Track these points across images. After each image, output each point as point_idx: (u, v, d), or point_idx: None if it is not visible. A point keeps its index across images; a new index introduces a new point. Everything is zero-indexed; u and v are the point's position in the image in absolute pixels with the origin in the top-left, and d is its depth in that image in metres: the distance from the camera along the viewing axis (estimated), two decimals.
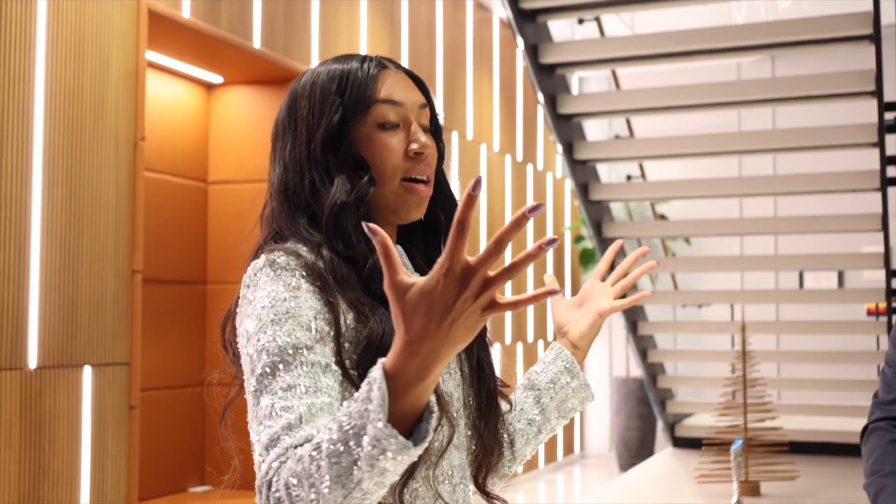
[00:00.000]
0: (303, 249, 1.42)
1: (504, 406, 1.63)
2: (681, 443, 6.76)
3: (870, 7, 4.70)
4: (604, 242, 5.72)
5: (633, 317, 6.26)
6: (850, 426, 6.45)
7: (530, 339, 8.58)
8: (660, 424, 7.27)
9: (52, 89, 3.92)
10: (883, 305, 7.91)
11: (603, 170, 8.89)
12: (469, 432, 1.54)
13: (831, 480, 5.52)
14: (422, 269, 1.56)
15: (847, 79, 5.06)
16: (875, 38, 4.60)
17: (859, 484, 2.26)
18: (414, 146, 1.47)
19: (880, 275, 7.98)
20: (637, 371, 8.92)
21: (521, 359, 8.37)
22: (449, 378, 1.49)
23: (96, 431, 4.11)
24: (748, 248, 8.95)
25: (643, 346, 6.39)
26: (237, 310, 1.42)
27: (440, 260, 1.06)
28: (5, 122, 3.72)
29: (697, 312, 8.93)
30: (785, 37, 4.97)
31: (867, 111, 6.14)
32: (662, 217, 8.01)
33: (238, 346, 1.40)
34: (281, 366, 1.30)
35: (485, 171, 7.70)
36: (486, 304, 1.06)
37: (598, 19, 5.65)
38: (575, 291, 9.70)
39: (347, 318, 1.37)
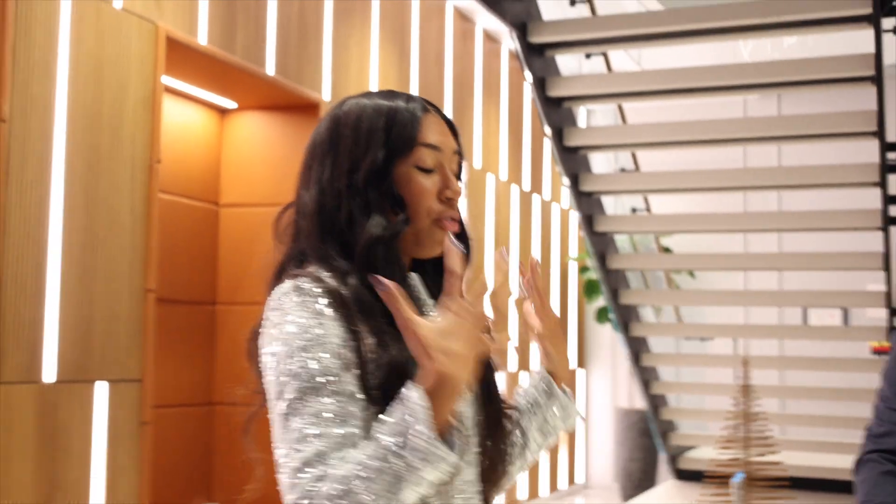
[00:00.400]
0: (326, 275, 1.49)
1: (508, 426, 1.71)
2: (683, 475, 6.87)
3: (872, 48, 4.85)
4: (608, 274, 5.85)
5: (636, 348, 6.39)
6: (850, 464, 6.54)
7: (572, 366, 8.69)
8: (662, 456, 7.37)
9: (73, 112, 4.08)
10: (887, 344, 8.01)
11: (608, 202, 9.03)
12: (478, 449, 1.62)
13: None
14: (434, 295, 1.64)
15: (850, 119, 5.20)
16: (877, 79, 4.74)
17: None
18: (448, 192, 1.57)
19: (884, 313, 8.09)
20: (640, 402, 9.03)
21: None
22: (461, 399, 1.55)
23: (109, 446, 4.24)
24: (752, 283, 9.07)
25: (646, 377, 6.51)
26: (262, 331, 1.49)
27: (454, 302, 1.31)
28: (28, 143, 3.88)
29: (700, 346, 9.04)
30: (790, 76, 5.12)
31: (871, 150, 6.28)
32: (667, 250, 8.15)
33: (261, 365, 1.48)
34: (311, 392, 1.38)
35: (492, 200, 7.85)
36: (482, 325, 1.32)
37: (605, 54, 5.82)
38: (580, 322, 9.82)
39: (370, 344, 1.44)
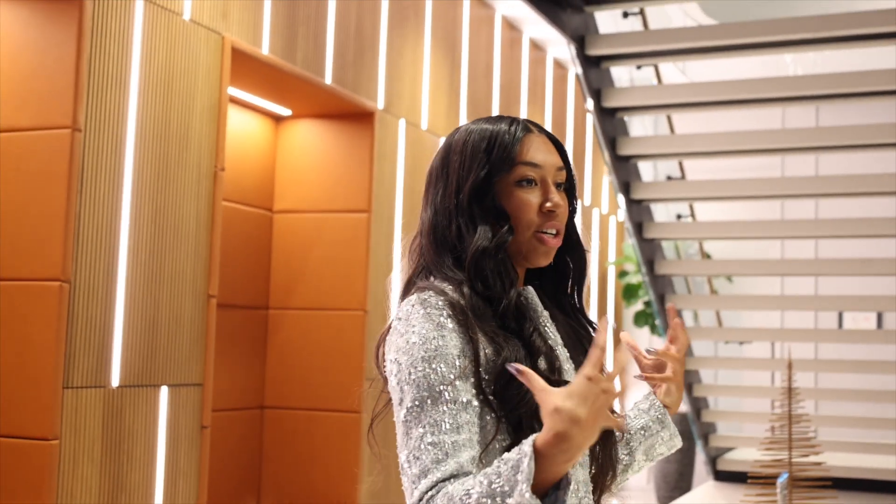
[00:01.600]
0: (448, 288, 1.59)
1: (616, 434, 1.75)
2: (722, 476, 6.80)
3: None
4: (656, 279, 5.79)
5: None
6: (889, 464, 6.47)
7: (610, 369, 8.65)
8: (699, 458, 7.30)
9: (143, 122, 4.06)
10: None
11: (656, 209, 8.97)
12: (589, 454, 1.68)
13: None
14: (550, 310, 1.71)
15: (890, 130, 5.13)
16: None
17: None
18: (548, 204, 1.65)
19: None
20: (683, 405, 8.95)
21: None
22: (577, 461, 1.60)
23: (170, 449, 4.22)
24: (788, 288, 8.98)
25: (689, 380, 6.44)
26: (388, 337, 1.59)
27: (585, 371, 1.34)
28: (101, 153, 3.86)
29: (738, 349, 8.96)
30: (832, 89, 5.06)
31: None
32: (707, 256, 8.08)
33: (386, 371, 1.58)
34: (429, 401, 1.48)
35: None
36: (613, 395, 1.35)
37: (656, 66, 5.76)
38: (618, 325, 9.75)
39: (487, 350, 1.54)
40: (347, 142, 5.64)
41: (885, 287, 8.08)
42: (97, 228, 3.84)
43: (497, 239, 1.62)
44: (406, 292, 1.67)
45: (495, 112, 7.09)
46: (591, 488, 1.66)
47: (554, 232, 1.65)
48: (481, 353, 1.53)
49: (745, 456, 6.70)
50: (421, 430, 1.47)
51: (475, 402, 1.51)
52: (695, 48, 4.85)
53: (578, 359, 1.69)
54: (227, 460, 5.44)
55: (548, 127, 8.08)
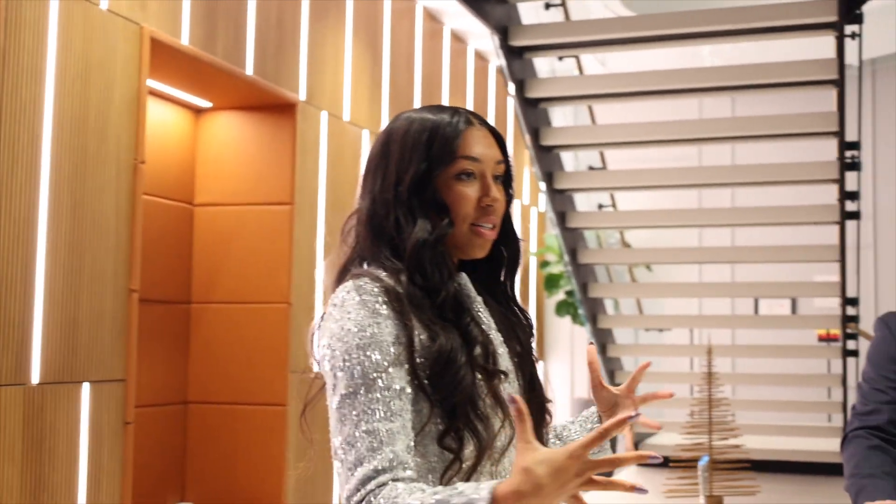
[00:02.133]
0: (383, 275, 1.61)
1: (548, 417, 1.81)
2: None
3: (832, 52, 4.89)
4: (579, 268, 5.85)
5: (603, 339, 6.40)
6: (805, 446, 6.64)
7: None
8: (622, 445, 7.38)
9: (60, 115, 3.97)
10: (834, 331, 8.12)
11: (578, 198, 9.05)
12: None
13: (789, 496, 5.68)
14: (481, 294, 1.74)
15: (811, 120, 5.26)
16: (839, 82, 4.78)
17: (816, 500, 2.49)
18: (486, 199, 1.67)
19: (831, 302, 8.20)
20: None
21: None
22: (510, 387, 1.66)
23: (93, 446, 4.15)
24: (706, 276, 9.14)
25: (610, 367, 6.53)
26: (323, 323, 1.60)
27: (575, 449, 1.32)
28: (17, 146, 3.77)
29: (658, 336, 9.09)
30: (751, 80, 5.16)
31: (822, 148, 6.35)
32: (627, 245, 8.18)
33: (319, 356, 1.59)
34: (363, 389, 1.50)
35: None
36: (585, 481, 1.33)
37: (577, 58, 5.81)
38: (539, 316, 9.83)
39: (421, 337, 1.56)
40: (269, 134, 5.59)
41: (798, 274, 8.30)
42: (13, 223, 3.75)
43: (437, 232, 1.63)
44: (340, 279, 1.67)
45: (417, 104, 7.09)
46: None
47: (490, 226, 1.68)
48: (416, 339, 1.55)
49: (666, 441, 6.81)
50: (355, 417, 1.49)
51: (409, 389, 1.53)
52: (616, 39, 4.90)
53: (511, 344, 1.72)
54: (151, 457, 5.36)
55: None
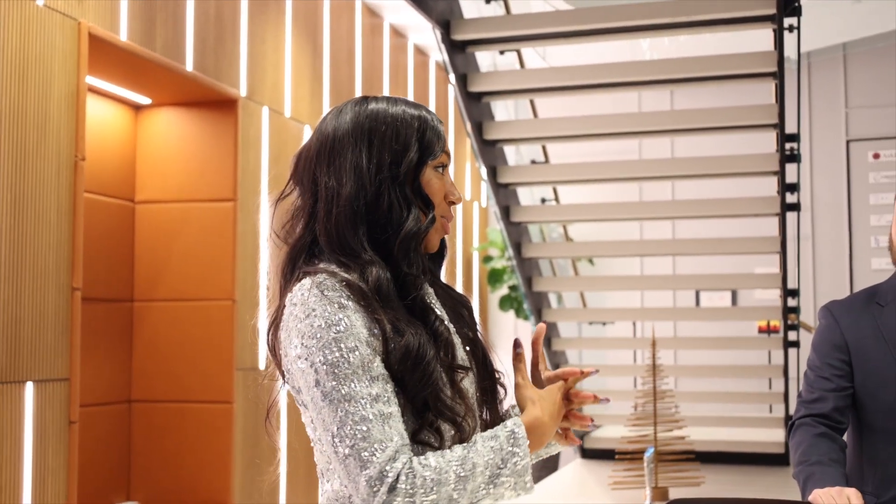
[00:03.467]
0: (337, 269, 1.60)
1: (500, 392, 1.83)
2: (589, 454, 7.00)
3: (770, 45, 5.01)
4: (523, 262, 5.93)
5: (547, 333, 6.49)
6: (746, 436, 6.78)
7: None
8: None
9: None
10: (774, 323, 8.30)
11: (522, 193, 9.13)
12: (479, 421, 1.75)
13: (733, 486, 5.81)
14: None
15: (750, 112, 5.38)
16: (779, 75, 4.90)
17: (758, 489, 2.56)
18: (452, 196, 1.73)
19: (770, 294, 8.37)
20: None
21: None
22: (465, 377, 1.69)
23: (37, 446, 4.14)
24: (647, 268, 9.28)
25: (556, 361, 6.61)
26: (286, 324, 1.59)
27: (559, 389, 1.68)
28: None
29: (601, 329, 9.21)
30: (692, 72, 5.27)
31: (761, 140, 6.49)
32: (569, 238, 8.29)
33: (288, 357, 1.58)
34: (354, 379, 1.52)
35: None
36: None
37: (518, 52, 5.88)
38: (483, 309, 9.90)
39: (388, 329, 1.57)
40: (210, 130, 5.60)
41: (738, 266, 8.46)
42: None
43: (426, 225, 1.67)
44: (290, 273, 1.66)
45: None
46: None
47: (448, 220, 1.75)
48: (387, 333, 1.57)
49: (611, 434, 6.92)
50: (354, 406, 1.50)
51: (388, 375, 1.56)
52: (556, 33, 4.98)
53: (462, 331, 1.76)
54: (96, 456, 5.34)
55: None
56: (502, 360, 1.83)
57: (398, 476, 1.48)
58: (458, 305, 1.80)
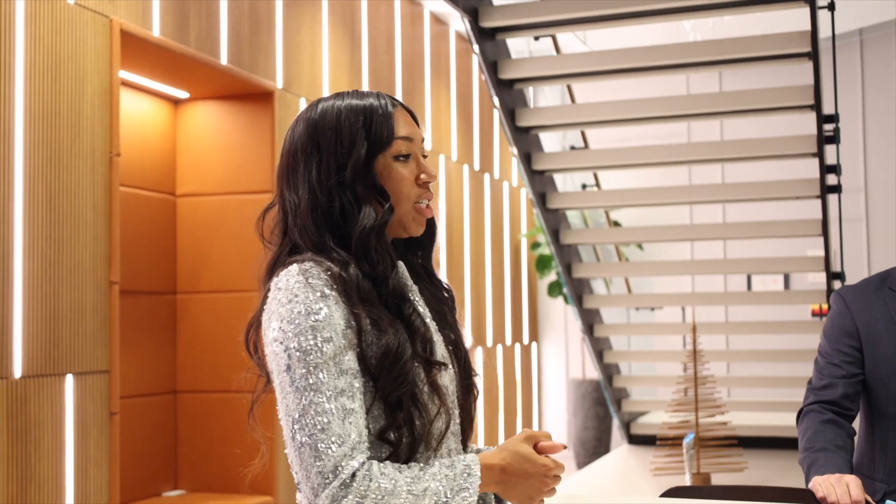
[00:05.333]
0: (328, 263, 1.64)
1: (475, 392, 1.86)
2: (636, 440, 7.00)
3: (807, 24, 4.94)
4: (562, 249, 5.93)
5: (590, 319, 6.49)
6: (793, 421, 6.72)
7: (489, 343, 8.79)
8: (615, 423, 7.50)
9: (32, 109, 4.06)
10: (826, 307, 8.21)
11: (560, 179, 9.12)
12: (458, 420, 1.77)
13: (777, 472, 5.78)
14: (417, 280, 1.80)
15: (789, 93, 5.31)
16: (813, 55, 4.85)
17: (801, 475, 2.55)
18: (424, 176, 1.74)
19: (823, 277, 8.27)
20: (593, 373, 9.16)
21: (480, 361, 8.58)
22: (445, 374, 1.72)
23: (79, 437, 4.25)
24: (698, 253, 9.22)
25: (599, 347, 6.61)
26: (267, 307, 1.63)
27: (555, 464, 1.68)
28: None
29: (650, 315, 9.18)
30: (731, 54, 5.22)
31: (808, 122, 6.41)
32: (616, 224, 8.26)
33: (268, 339, 1.61)
34: (324, 370, 1.55)
35: (443, 180, 7.90)
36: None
37: (553, 36, 5.87)
38: (532, 297, 9.92)
39: (368, 328, 1.61)
40: (248, 122, 5.68)
41: (791, 249, 8.37)
42: None
43: (381, 218, 1.68)
44: (270, 272, 1.70)
45: (398, 89, 7.17)
46: (459, 439, 1.78)
47: (427, 202, 1.76)
48: (364, 328, 1.60)
49: (657, 419, 6.91)
50: (318, 397, 1.54)
51: (359, 370, 1.59)
52: (591, 17, 4.95)
53: (444, 332, 1.79)
54: (142, 446, 5.47)
55: (453, 101, 8.21)
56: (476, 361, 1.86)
57: (354, 474, 1.52)
58: (440, 305, 1.83)
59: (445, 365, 1.70)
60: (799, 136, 5.53)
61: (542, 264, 8.96)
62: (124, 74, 5.18)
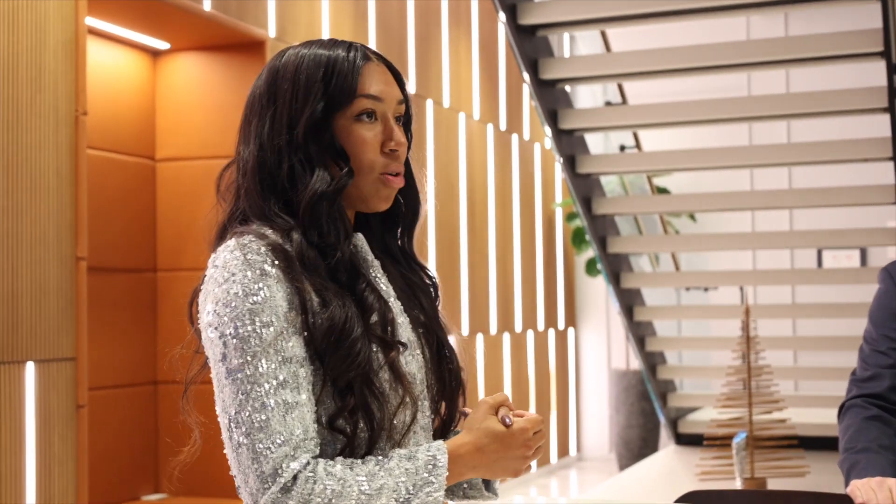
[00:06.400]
0: (269, 232, 1.66)
1: (461, 387, 1.87)
2: (684, 440, 7.01)
3: None
4: (594, 220, 5.96)
5: (629, 301, 6.51)
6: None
7: (518, 329, 8.84)
8: (662, 420, 7.52)
9: None
10: None
11: (598, 141, 9.12)
12: (433, 416, 1.80)
13: (842, 477, 5.77)
14: (379, 258, 1.80)
15: (855, 39, 5.29)
16: None
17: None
18: (390, 143, 1.73)
19: None
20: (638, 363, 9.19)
21: (508, 349, 8.64)
22: (412, 360, 1.74)
23: (41, 432, 4.32)
24: (760, 224, 9.21)
25: (640, 333, 6.64)
26: (204, 287, 1.66)
27: (531, 424, 1.70)
28: None
29: (703, 296, 9.19)
30: None
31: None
32: (661, 191, 8.26)
33: (203, 324, 1.64)
34: (263, 359, 1.58)
35: (463, 141, 7.94)
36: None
37: None
38: (568, 276, 9.95)
39: (314, 303, 1.62)
40: (237, 76, 5.72)
41: (869, 219, 8.32)
42: None
43: (336, 183, 1.68)
44: (220, 239, 1.72)
45: (412, 36, 7.20)
46: (430, 434, 1.79)
47: (396, 173, 1.74)
48: (308, 305, 1.61)
49: (709, 416, 6.93)
50: (256, 391, 1.56)
51: (306, 357, 1.61)
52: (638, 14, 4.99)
53: (413, 313, 1.80)
54: (118, 443, 5.54)
55: (475, 51, 8.23)
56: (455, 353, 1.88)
57: (295, 477, 1.54)
58: (412, 287, 1.84)
59: (405, 345, 1.70)
60: (868, 88, 5.51)
61: (579, 238, 8.99)
62: (93, 22, 5.24)
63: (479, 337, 8.05)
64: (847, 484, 2.42)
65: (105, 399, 5.43)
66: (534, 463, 8.93)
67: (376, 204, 1.75)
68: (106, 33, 5.47)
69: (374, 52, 1.79)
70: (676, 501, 2.54)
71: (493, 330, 8.37)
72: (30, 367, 4.30)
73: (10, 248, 4.21)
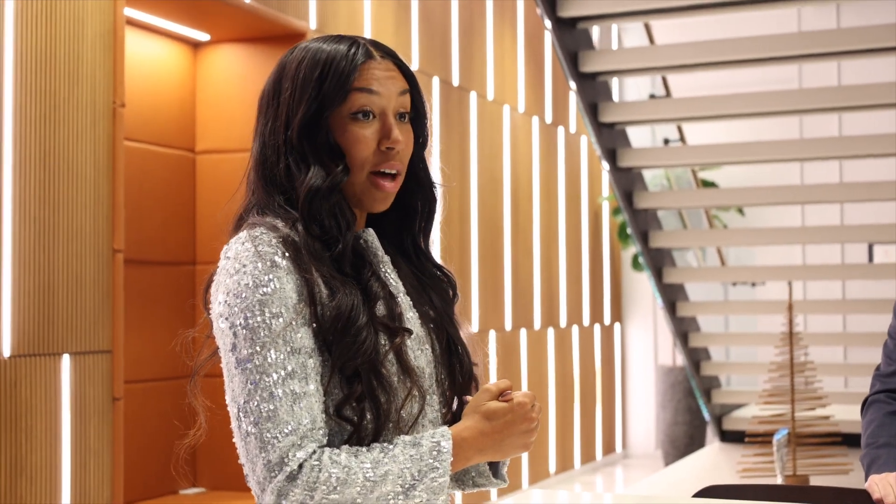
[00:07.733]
0: (280, 224, 1.70)
1: (474, 383, 1.89)
2: (729, 437, 6.99)
3: None
4: (636, 214, 5.93)
5: (672, 296, 6.48)
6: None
7: (563, 324, 8.82)
8: (707, 417, 7.48)
9: (23, 54, 4.15)
10: None
11: (643, 134, 9.07)
12: (443, 409, 1.82)
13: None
14: (392, 256, 1.83)
15: None
16: None
17: None
18: (386, 142, 1.74)
19: None
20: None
21: (552, 344, 8.62)
22: (421, 354, 1.76)
23: (77, 425, 4.36)
24: (810, 218, 9.13)
25: (683, 329, 6.61)
26: (216, 278, 1.70)
27: (528, 398, 1.73)
28: None
29: (751, 291, 9.13)
30: None
31: None
32: (707, 184, 8.21)
33: (215, 314, 1.69)
34: (272, 349, 1.61)
35: (508, 134, 7.92)
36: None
37: None
38: (615, 271, 9.91)
39: (322, 293, 1.66)
40: None
41: None
42: None
43: (330, 180, 1.71)
44: (236, 229, 1.77)
45: (454, 32, 7.19)
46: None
47: (393, 173, 1.76)
48: (317, 296, 1.64)
49: (745, 413, 6.91)
50: (265, 381, 1.60)
51: (315, 348, 1.64)
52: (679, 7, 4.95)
53: (423, 308, 1.82)
54: (155, 437, 5.58)
55: (521, 42, 8.21)
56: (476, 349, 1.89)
57: (301, 465, 1.57)
58: (424, 284, 1.86)
59: (409, 331, 1.72)
60: None
61: (625, 233, 8.95)
62: (132, 13, 5.28)
63: (523, 332, 8.04)
64: (867, 479, 2.42)
65: (142, 392, 5.47)
66: (577, 458, 8.99)
67: (370, 204, 1.78)
68: (146, 24, 5.51)
69: (381, 47, 1.80)
70: (695, 496, 2.56)
71: (538, 325, 8.35)
72: (66, 360, 4.33)
73: (47, 240, 4.25)
